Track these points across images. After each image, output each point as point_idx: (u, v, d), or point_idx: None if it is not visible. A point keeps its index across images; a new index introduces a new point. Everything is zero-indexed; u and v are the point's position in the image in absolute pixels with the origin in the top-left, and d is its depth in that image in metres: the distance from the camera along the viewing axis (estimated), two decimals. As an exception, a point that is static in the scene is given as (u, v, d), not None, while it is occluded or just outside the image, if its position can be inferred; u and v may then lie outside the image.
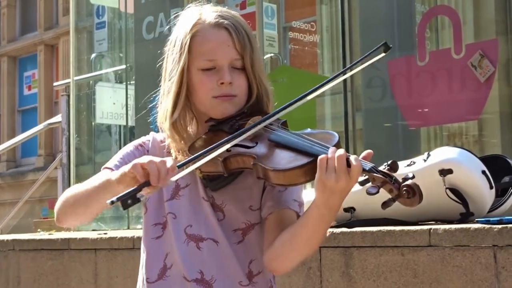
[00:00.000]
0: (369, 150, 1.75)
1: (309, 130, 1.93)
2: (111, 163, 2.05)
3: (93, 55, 7.98)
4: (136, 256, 4.32)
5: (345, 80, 6.42)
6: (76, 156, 7.24)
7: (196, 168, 1.81)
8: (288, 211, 1.96)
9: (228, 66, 1.99)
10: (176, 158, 2.02)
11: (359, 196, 3.91)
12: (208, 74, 2.00)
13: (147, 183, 1.68)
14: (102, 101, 7.24)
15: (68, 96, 7.54)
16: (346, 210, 3.85)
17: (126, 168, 1.76)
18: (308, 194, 2.15)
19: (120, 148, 7.52)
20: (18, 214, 10.87)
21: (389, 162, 1.72)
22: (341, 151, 1.73)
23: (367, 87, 6.15)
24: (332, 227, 3.70)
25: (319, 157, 1.73)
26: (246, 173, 1.98)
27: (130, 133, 6.98)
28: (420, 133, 5.77)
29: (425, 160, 3.60)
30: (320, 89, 1.93)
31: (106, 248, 4.52)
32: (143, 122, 6.85)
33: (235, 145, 1.86)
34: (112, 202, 1.65)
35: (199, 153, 1.79)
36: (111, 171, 1.98)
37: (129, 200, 1.66)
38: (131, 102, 6.83)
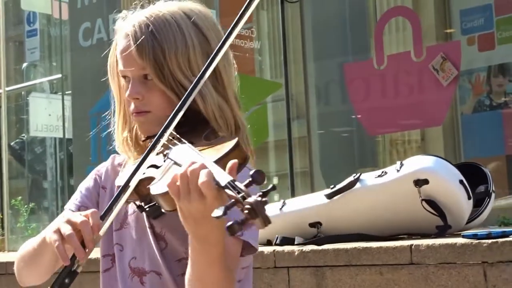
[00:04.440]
0: (234, 160, 1.42)
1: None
2: (71, 202, 1.87)
3: (25, 65, 7.61)
4: (82, 280, 4.00)
5: (287, 87, 6.22)
6: (9, 170, 6.84)
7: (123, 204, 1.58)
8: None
9: (136, 79, 1.72)
10: None
11: (324, 209, 3.73)
12: (126, 86, 1.75)
13: (75, 257, 1.52)
14: (36, 113, 6.87)
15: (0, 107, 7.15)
16: (311, 225, 3.59)
17: (50, 232, 1.58)
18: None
19: (56, 161, 7.18)
20: None
21: (251, 172, 1.32)
22: (195, 165, 1.42)
23: (318, 92, 5.96)
24: (299, 244, 3.44)
25: (167, 183, 1.44)
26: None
27: (67, 146, 6.63)
28: (377, 140, 5.58)
29: (398, 170, 3.37)
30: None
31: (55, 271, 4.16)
32: (81, 134, 6.54)
33: (150, 166, 1.59)
34: None
35: (117, 193, 1.57)
36: (71, 212, 1.79)
37: (66, 279, 1.50)
38: (68, 113, 6.47)
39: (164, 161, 1.57)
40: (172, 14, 1.74)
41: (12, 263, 4.34)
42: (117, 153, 1.89)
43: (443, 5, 5.50)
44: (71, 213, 1.61)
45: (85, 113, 6.19)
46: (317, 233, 3.58)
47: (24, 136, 7.31)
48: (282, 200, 3.79)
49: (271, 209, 3.78)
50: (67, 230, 1.53)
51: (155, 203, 1.63)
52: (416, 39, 4.79)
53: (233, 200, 1.30)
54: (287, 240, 3.54)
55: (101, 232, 1.55)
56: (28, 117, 6.95)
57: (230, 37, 1.56)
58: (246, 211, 1.27)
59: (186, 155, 1.50)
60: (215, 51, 1.57)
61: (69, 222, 1.56)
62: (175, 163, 1.51)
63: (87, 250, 1.52)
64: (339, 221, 3.53)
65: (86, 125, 6.15)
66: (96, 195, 1.88)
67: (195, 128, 1.68)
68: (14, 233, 6.71)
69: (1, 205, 7.07)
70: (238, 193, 1.31)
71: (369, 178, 3.46)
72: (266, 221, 1.29)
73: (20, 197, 7.00)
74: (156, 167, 1.58)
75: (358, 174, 3.48)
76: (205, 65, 1.58)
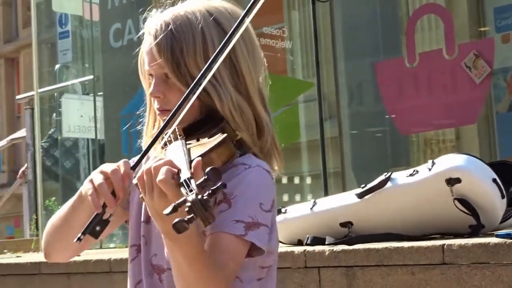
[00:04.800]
0: (198, 158, 1.42)
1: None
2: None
3: (57, 66, 7.64)
4: (113, 280, 4.00)
5: (319, 87, 6.18)
6: (43, 171, 6.88)
7: None
8: (221, 236, 1.58)
9: (158, 77, 1.73)
10: None
11: (355, 208, 3.69)
12: (151, 84, 1.76)
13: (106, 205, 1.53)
14: (68, 114, 6.89)
15: (32, 109, 7.20)
16: (342, 225, 3.55)
17: (82, 189, 1.63)
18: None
19: (88, 161, 7.20)
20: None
21: (207, 170, 1.32)
22: (157, 164, 1.43)
23: (349, 92, 5.92)
24: (330, 244, 3.40)
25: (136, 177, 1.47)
26: None
27: (99, 147, 6.64)
28: (410, 140, 5.52)
29: (429, 169, 3.32)
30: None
31: (80, 272, 4.17)
32: (113, 135, 6.56)
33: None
34: (79, 239, 1.47)
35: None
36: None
37: (97, 227, 1.49)
38: (100, 114, 6.49)
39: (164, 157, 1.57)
40: (194, 12, 1.73)
41: (45, 264, 4.37)
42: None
43: (476, 2, 5.43)
44: (105, 164, 1.61)
45: (116, 114, 6.20)
46: (348, 233, 3.54)
47: (53, 135, 7.33)
48: (313, 200, 3.75)
49: (302, 209, 3.75)
50: (98, 179, 1.56)
51: None
52: (448, 37, 4.72)
53: (183, 198, 1.30)
54: (318, 240, 3.51)
55: (134, 180, 1.50)
56: (61, 118, 6.97)
57: (236, 32, 1.52)
58: (187, 209, 1.27)
59: (172, 152, 1.51)
60: (220, 45, 1.54)
61: (101, 172, 1.58)
62: None
63: (117, 199, 1.53)
64: (370, 221, 3.48)
65: (117, 126, 6.16)
66: None
67: (210, 128, 1.66)
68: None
69: (36, 206, 7.12)
70: (191, 190, 1.31)
71: (400, 177, 3.41)
72: (205, 220, 1.28)
73: (53, 198, 7.04)
74: None
75: (389, 173, 3.44)
76: (210, 61, 1.55)
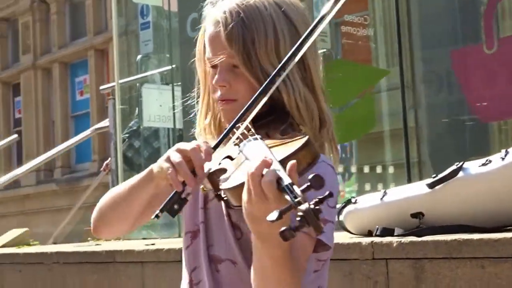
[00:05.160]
0: (292, 161, 1.37)
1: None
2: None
3: (139, 57, 7.73)
4: (184, 269, 4.01)
5: (402, 75, 6.05)
6: (124, 161, 6.98)
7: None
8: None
9: (224, 66, 1.71)
10: None
11: (426, 199, 3.59)
12: (213, 73, 1.74)
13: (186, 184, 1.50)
14: (148, 104, 6.96)
15: (115, 99, 7.31)
16: (413, 215, 3.46)
17: (159, 165, 1.59)
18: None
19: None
20: (72, 220, 10.73)
21: (310, 176, 1.29)
22: (260, 167, 1.37)
23: (427, 81, 5.79)
24: (399, 235, 3.32)
25: (238, 177, 1.44)
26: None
27: (178, 136, 6.68)
28: (490, 128, 5.35)
29: (503, 158, 3.20)
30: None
31: (153, 261, 4.20)
32: (191, 125, 6.59)
33: (226, 157, 1.58)
34: (157, 216, 1.48)
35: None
36: None
37: (175, 206, 1.48)
38: (178, 103, 6.53)
39: (238, 153, 1.54)
40: (263, 2, 1.71)
41: (119, 252, 4.42)
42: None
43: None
44: (182, 143, 1.59)
45: (193, 104, 6.22)
46: (419, 224, 3.45)
47: (134, 125, 7.41)
48: (383, 190, 3.67)
49: (372, 199, 3.68)
50: (177, 157, 1.53)
51: None
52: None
53: (289, 204, 1.28)
54: (387, 231, 3.43)
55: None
56: (141, 108, 7.05)
57: (318, 27, 1.54)
58: (298, 218, 1.25)
59: (256, 151, 1.47)
60: (300, 40, 1.54)
61: (179, 150, 1.55)
62: (246, 158, 1.50)
63: (198, 179, 1.50)
64: (442, 212, 3.38)
65: (194, 116, 6.18)
66: None
67: (275, 120, 1.65)
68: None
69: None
70: (295, 197, 1.28)
71: (473, 166, 3.30)
72: (317, 230, 1.26)
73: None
74: (231, 158, 1.56)
75: (461, 163, 3.33)
76: (288, 55, 1.55)
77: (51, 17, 18.40)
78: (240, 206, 1.45)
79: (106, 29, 17.01)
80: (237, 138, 1.58)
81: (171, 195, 1.49)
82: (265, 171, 1.36)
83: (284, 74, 1.58)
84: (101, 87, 8.58)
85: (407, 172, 5.48)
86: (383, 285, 3.18)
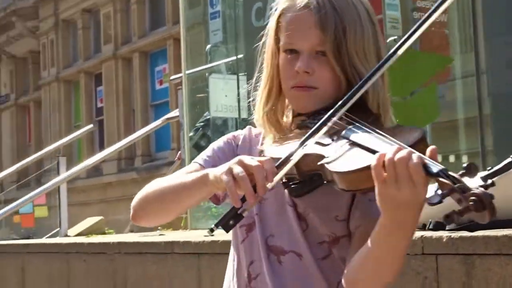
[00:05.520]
0: (432, 147, 1.40)
1: (398, 126, 1.62)
2: (200, 157, 1.87)
3: (208, 47, 7.75)
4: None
5: (477, 63, 5.89)
6: (193, 151, 7.01)
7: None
8: None
9: (308, 52, 1.68)
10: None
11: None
12: (289, 59, 1.71)
13: (244, 198, 1.51)
14: (215, 94, 6.97)
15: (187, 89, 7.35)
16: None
17: (220, 176, 1.56)
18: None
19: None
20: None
21: (465, 165, 1.35)
22: (404, 152, 1.37)
23: (503, 67, 5.63)
24: (450, 230, 3.23)
25: (372, 164, 1.40)
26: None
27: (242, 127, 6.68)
28: None
29: (559, 151, 3.07)
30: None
31: (209, 252, 4.21)
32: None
33: (315, 143, 1.57)
34: (212, 230, 1.51)
35: (294, 151, 1.56)
36: (200, 166, 1.82)
37: (230, 221, 1.50)
38: (243, 93, 6.52)
39: (334, 140, 1.56)
40: None
41: (177, 243, 4.44)
42: (253, 126, 1.88)
43: None
44: (244, 156, 1.57)
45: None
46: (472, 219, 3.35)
47: (209, 115, 7.44)
48: (436, 183, 3.58)
49: (428, 192, 3.58)
50: (240, 171, 1.51)
51: (301, 181, 1.63)
52: None
53: (449, 188, 1.33)
54: (440, 225, 3.34)
55: (271, 185, 1.52)
56: (209, 98, 7.07)
57: (419, 29, 1.56)
58: (471, 203, 1.29)
59: (372, 139, 1.49)
60: (402, 39, 1.56)
61: (241, 164, 1.53)
62: (355, 143, 1.51)
63: (257, 196, 1.49)
64: (498, 205, 3.27)
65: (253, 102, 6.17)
66: (229, 159, 1.85)
67: (361, 114, 1.63)
68: (197, 212, 6.87)
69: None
70: (453, 182, 1.33)
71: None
72: (493, 214, 1.31)
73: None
74: (322, 145, 1.56)
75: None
76: (386, 57, 1.57)
77: (131, 7, 18.66)
78: (349, 190, 1.49)
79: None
80: (328, 127, 1.58)
81: (228, 211, 1.50)
82: (413, 158, 1.37)
83: (378, 74, 1.58)
84: (172, 77, 8.63)
85: (481, 162, 5.37)
86: (432, 281, 3.10)
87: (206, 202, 6.42)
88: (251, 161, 1.52)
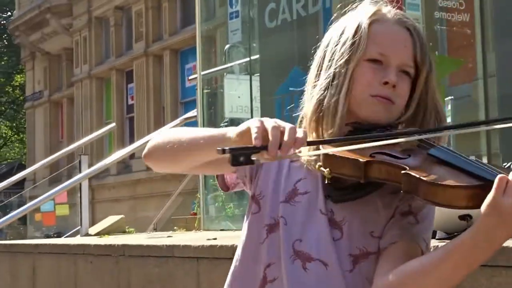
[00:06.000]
0: None
1: (474, 158, 1.62)
2: None
3: (227, 46, 7.74)
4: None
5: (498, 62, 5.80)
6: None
7: (327, 157, 1.62)
8: (416, 248, 1.64)
9: (397, 67, 1.71)
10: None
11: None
12: (374, 68, 1.72)
13: (265, 148, 1.48)
14: (230, 95, 6.94)
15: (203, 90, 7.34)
16: (461, 217, 3.30)
17: (247, 124, 1.56)
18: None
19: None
20: (173, 205, 10.89)
21: None
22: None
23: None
24: (440, 239, 3.18)
25: (499, 176, 1.44)
26: (378, 193, 1.71)
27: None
28: None
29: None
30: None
31: (207, 257, 4.19)
32: (269, 116, 6.54)
33: (381, 152, 1.59)
34: (223, 151, 1.45)
35: (338, 138, 1.61)
36: None
37: (241, 157, 1.46)
38: (257, 94, 6.48)
39: (410, 156, 1.59)
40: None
41: (177, 247, 4.42)
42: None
43: None
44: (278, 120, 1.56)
45: (272, 95, 6.17)
46: (466, 227, 3.28)
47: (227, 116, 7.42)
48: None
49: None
50: (273, 123, 1.51)
51: (349, 188, 1.68)
52: None
53: None
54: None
55: (301, 154, 1.54)
56: (224, 99, 7.05)
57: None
58: None
59: (464, 162, 1.53)
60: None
61: (276, 121, 1.53)
62: (449, 164, 1.54)
63: (278, 154, 1.48)
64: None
65: (271, 107, 6.13)
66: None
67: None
68: (210, 214, 6.86)
69: (204, 184, 7.24)
70: None
71: (523, 167, 3.10)
72: None
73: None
74: (398, 158, 1.59)
75: (510, 163, 3.15)
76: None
77: (162, 5, 18.71)
78: (439, 204, 1.50)
79: (214, 16, 17.16)
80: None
81: (246, 146, 1.48)
82: None
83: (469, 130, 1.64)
84: (190, 77, 8.61)
85: (501, 163, 5.28)
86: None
87: (219, 202, 6.36)
88: (286, 123, 1.53)
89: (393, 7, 1.79)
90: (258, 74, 6.53)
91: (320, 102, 1.73)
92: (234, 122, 7.32)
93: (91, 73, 21.05)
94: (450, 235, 3.20)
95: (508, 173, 1.45)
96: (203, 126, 6.97)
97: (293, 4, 5.98)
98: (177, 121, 8.39)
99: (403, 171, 1.54)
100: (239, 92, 6.75)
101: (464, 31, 7.69)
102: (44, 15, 22.20)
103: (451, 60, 5.86)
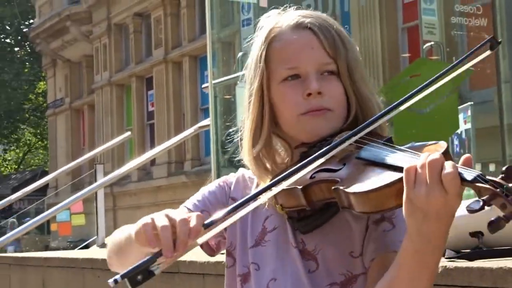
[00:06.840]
0: (467, 155, 1.32)
1: (413, 143, 1.49)
2: (190, 201, 1.76)
3: (240, 54, 7.66)
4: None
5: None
6: (218, 158, 6.90)
7: (273, 204, 1.55)
8: (394, 256, 1.46)
9: (315, 73, 1.59)
10: None
11: (487, 217, 3.26)
12: (292, 85, 1.60)
13: (160, 253, 1.33)
14: (241, 103, 6.83)
15: (215, 97, 7.25)
16: (472, 234, 3.16)
17: (141, 222, 1.43)
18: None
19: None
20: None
21: (504, 168, 1.26)
22: (437, 154, 1.30)
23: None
24: (449, 258, 3.04)
25: (405, 168, 1.32)
26: (343, 210, 1.54)
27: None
28: None
29: None
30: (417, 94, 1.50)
31: (213, 273, 4.09)
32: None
33: (320, 170, 1.46)
34: (116, 281, 1.29)
35: (245, 198, 1.39)
36: (188, 210, 1.71)
37: (138, 276, 1.29)
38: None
39: (345, 164, 1.47)
40: (331, 19, 1.67)
41: (183, 263, 4.32)
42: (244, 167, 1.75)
43: None
44: (173, 210, 1.46)
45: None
46: (478, 245, 3.15)
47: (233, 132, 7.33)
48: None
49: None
50: (163, 221, 1.37)
51: (311, 216, 1.54)
52: None
53: (490, 194, 1.24)
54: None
55: (200, 240, 1.36)
56: (236, 107, 6.95)
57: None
58: None
59: (393, 156, 1.41)
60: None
61: (167, 216, 1.40)
62: (373, 163, 1.42)
63: (175, 254, 1.34)
64: (504, 232, 3.06)
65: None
66: (222, 205, 1.71)
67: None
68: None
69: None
70: (494, 187, 1.24)
71: None
72: None
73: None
74: (333, 170, 1.46)
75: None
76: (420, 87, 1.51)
77: (181, 11, 18.68)
78: (366, 212, 1.39)
79: (233, 22, 17.10)
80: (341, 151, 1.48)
81: (139, 263, 1.30)
82: (448, 163, 1.29)
83: (402, 107, 1.49)
84: (203, 85, 8.54)
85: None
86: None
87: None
88: (177, 215, 1.39)
89: (291, 7, 1.68)
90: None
91: (247, 144, 1.65)
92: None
93: (111, 80, 21.05)
94: (459, 253, 3.06)
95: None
96: (216, 134, 6.88)
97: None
98: (191, 129, 8.32)
99: (333, 187, 1.43)
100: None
101: (482, 36, 7.55)
102: (64, 23, 22.26)
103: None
